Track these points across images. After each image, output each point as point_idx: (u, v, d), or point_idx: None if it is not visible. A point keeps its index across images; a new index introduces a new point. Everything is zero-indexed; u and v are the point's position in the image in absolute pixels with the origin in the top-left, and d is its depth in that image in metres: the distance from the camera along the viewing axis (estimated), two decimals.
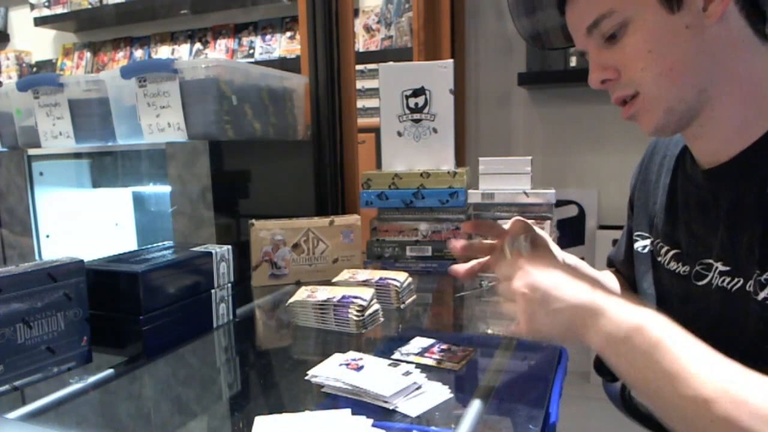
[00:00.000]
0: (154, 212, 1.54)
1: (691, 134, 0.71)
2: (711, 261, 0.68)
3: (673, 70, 0.63)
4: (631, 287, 0.93)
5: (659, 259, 0.79)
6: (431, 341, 0.85)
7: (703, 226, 0.71)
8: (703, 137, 0.69)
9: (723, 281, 0.66)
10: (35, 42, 3.11)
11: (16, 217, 1.46)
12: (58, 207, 1.50)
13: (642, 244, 0.84)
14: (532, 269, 0.64)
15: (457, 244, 0.79)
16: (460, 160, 1.62)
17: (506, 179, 1.24)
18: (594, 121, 1.97)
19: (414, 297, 1.09)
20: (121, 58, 2.87)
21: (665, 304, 0.78)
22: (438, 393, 0.69)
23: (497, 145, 2.10)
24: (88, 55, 2.96)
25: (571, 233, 1.96)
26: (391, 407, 0.65)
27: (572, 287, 0.61)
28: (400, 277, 1.06)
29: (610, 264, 1.01)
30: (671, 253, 0.77)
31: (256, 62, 2.52)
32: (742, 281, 0.63)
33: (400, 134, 1.33)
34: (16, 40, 3.19)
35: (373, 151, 1.88)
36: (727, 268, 0.66)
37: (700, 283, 0.70)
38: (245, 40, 2.63)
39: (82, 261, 0.77)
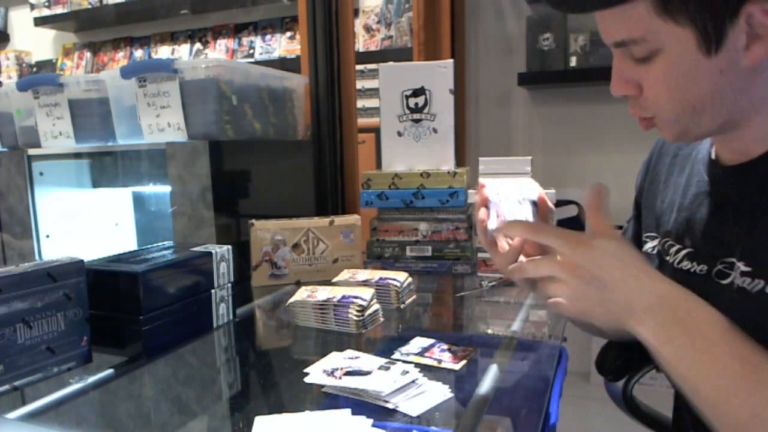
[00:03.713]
0: (154, 212, 1.54)
1: (716, 138, 0.70)
2: (733, 260, 0.66)
3: (696, 107, 0.61)
4: None
5: (668, 258, 0.77)
6: (431, 341, 0.85)
7: (723, 224, 0.68)
8: (728, 139, 0.67)
9: (744, 282, 0.64)
10: (35, 42, 3.11)
11: (16, 217, 1.46)
12: (58, 207, 1.50)
13: (651, 245, 0.82)
14: (599, 243, 0.64)
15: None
16: (460, 160, 1.62)
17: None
18: (594, 121, 1.97)
19: (414, 297, 1.09)
20: (121, 58, 2.87)
21: None
22: (438, 393, 0.69)
23: (497, 145, 2.10)
24: (88, 55, 2.96)
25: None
26: (391, 406, 0.65)
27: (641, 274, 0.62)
28: (400, 277, 1.06)
29: None
30: (684, 252, 0.74)
31: (256, 62, 2.52)
32: (763, 283, 0.61)
33: (400, 134, 1.33)
34: (16, 40, 3.19)
35: (373, 151, 1.88)
36: (749, 269, 0.64)
37: (723, 282, 0.67)
38: (245, 40, 2.63)
39: (82, 261, 0.77)
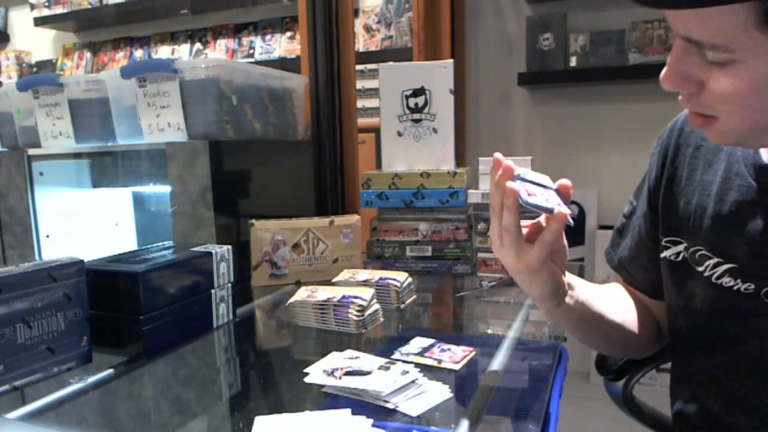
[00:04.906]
0: (154, 212, 1.54)
1: None
2: None
3: (764, 122, 0.55)
4: (645, 291, 0.84)
5: (700, 269, 0.69)
6: (431, 341, 0.85)
7: None
8: None
9: None
10: (35, 42, 3.11)
11: (16, 217, 1.46)
12: (58, 207, 1.49)
13: (674, 252, 0.74)
14: None
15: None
16: (460, 160, 1.62)
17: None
18: (594, 121, 1.97)
19: (414, 297, 1.09)
20: (121, 58, 2.87)
21: (709, 317, 0.70)
22: (438, 393, 0.69)
23: (497, 145, 2.10)
24: (88, 55, 2.96)
25: (571, 233, 1.96)
26: (391, 406, 0.65)
27: None
28: (400, 277, 1.06)
29: (618, 266, 0.87)
30: (725, 267, 0.67)
31: (256, 62, 2.52)
32: None
33: (400, 134, 1.33)
34: (16, 40, 3.19)
35: (373, 151, 1.88)
36: None
37: None
38: (245, 40, 2.63)
39: (82, 261, 0.77)
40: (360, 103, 2.07)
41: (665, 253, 0.75)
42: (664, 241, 0.76)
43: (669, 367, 0.81)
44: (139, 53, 2.85)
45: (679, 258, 0.73)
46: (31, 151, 1.45)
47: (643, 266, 0.82)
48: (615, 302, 0.80)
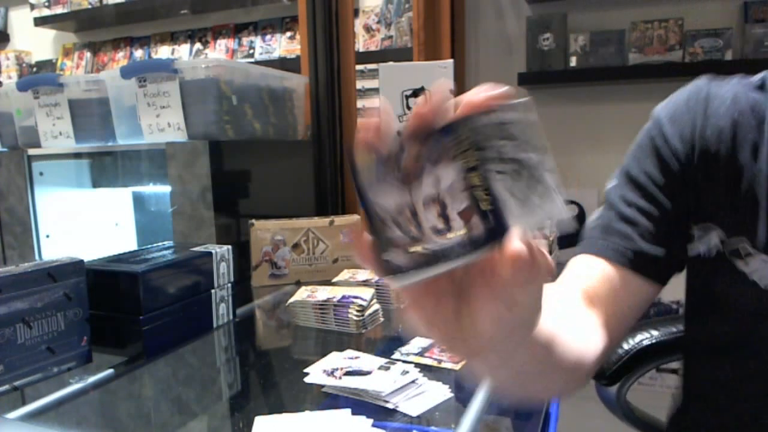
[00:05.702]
0: (154, 212, 1.54)
1: None
2: None
3: None
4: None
5: (740, 265, 0.60)
6: (431, 341, 0.85)
7: None
8: None
9: None
10: (35, 42, 3.11)
11: (16, 217, 1.46)
12: (58, 207, 1.49)
13: (713, 243, 0.62)
14: None
15: None
16: None
17: None
18: (594, 121, 1.97)
19: None
20: (121, 58, 2.87)
21: (756, 322, 0.61)
22: (438, 393, 0.69)
23: None
24: (88, 55, 2.96)
25: (571, 233, 1.96)
26: (391, 406, 0.65)
27: None
28: None
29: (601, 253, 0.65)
30: None
31: (256, 62, 2.52)
32: None
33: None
34: (16, 40, 3.19)
35: None
36: None
37: None
38: (245, 40, 2.62)
39: (82, 261, 0.77)
40: (360, 103, 2.07)
41: (696, 246, 0.64)
42: (696, 228, 0.64)
43: (669, 368, 0.80)
44: (139, 53, 2.85)
45: (714, 252, 0.62)
46: (31, 151, 1.45)
47: (621, 254, 0.64)
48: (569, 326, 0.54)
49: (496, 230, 0.28)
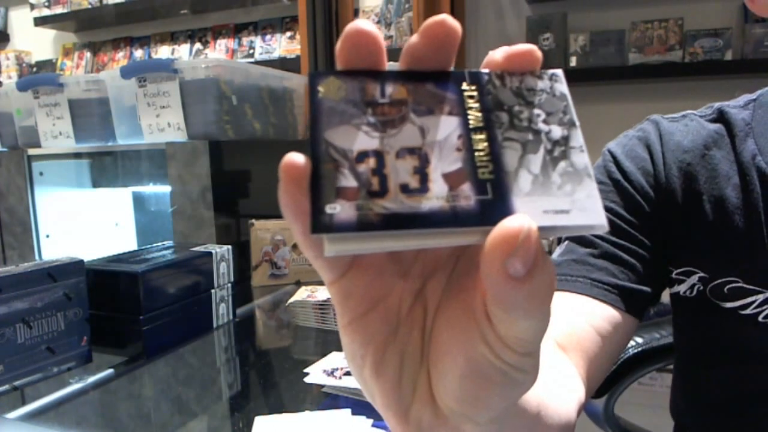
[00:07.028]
0: (154, 212, 1.54)
1: None
2: None
3: None
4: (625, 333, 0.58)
5: (725, 304, 0.55)
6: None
7: None
8: None
9: None
10: (35, 42, 3.11)
11: (16, 217, 1.46)
12: (58, 207, 1.50)
13: (689, 284, 0.59)
14: None
15: None
16: None
17: None
18: (594, 121, 1.97)
19: None
20: (121, 58, 2.87)
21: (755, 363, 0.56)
22: None
23: None
24: (88, 55, 2.96)
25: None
26: None
27: None
28: None
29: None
30: None
31: (256, 62, 2.52)
32: None
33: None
34: (16, 40, 3.19)
35: None
36: None
37: None
38: (245, 40, 2.63)
39: (82, 261, 0.77)
40: None
41: (677, 289, 0.60)
42: (676, 273, 0.60)
43: (669, 368, 0.78)
44: (139, 53, 2.85)
45: (693, 292, 0.58)
46: (31, 151, 1.45)
47: (618, 292, 0.58)
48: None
49: (493, 207, 0.20)
